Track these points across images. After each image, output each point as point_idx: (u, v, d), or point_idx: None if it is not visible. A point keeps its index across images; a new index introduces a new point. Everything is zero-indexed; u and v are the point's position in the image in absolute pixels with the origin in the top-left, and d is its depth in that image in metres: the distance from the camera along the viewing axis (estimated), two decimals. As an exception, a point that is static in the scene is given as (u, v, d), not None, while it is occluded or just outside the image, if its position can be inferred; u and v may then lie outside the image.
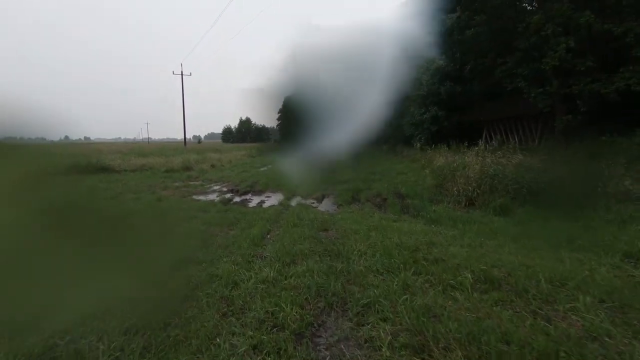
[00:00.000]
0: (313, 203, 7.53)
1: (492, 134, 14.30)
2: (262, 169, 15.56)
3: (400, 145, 20.93)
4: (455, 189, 7.27)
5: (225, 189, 9.65)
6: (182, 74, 32.28)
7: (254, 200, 8.00)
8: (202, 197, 8.37)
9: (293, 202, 7.62)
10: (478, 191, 6.77)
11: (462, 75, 15.15)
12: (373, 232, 4.64)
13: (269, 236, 4.84)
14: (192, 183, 10.89)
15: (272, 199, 8.10)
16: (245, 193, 9.01)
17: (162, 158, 17.27)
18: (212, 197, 8.50)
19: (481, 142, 10.43)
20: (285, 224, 5.33)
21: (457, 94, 15.08)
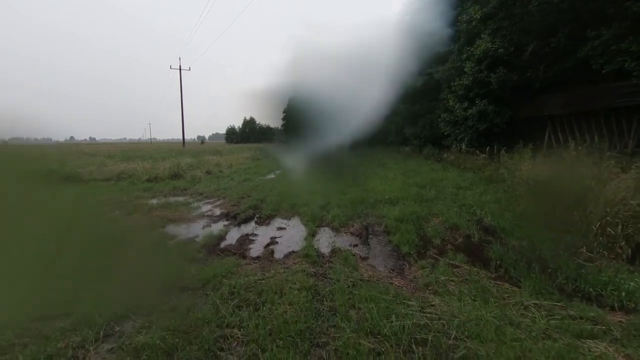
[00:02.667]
0: (354, 247, 4.59)
1: (560, 133, 11.28)
2: (268, 176, 12.65)
3: (430, 147, 17.91)
4: (597, 224, 4.31)
5: (218, 212, 6.74)
6: (180, 69, 29.54)
7: (260, 238, 5.07)
8: (179, 229, 5.49)
9: (322, 243, 4.69)
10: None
11: (519, 60, 12.13)
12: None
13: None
14: (174, 200, 8.00)
15: (288, 236, 5.17)
16: (247, 221, 6.09)
17: (149, 162, 14.43)
18: (196, 227, 5.61)
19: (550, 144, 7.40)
20: None
21: (511, 83, 12.06)
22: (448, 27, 18.13)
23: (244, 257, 4.11)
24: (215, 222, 6.01)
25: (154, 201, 7.95)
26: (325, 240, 4.84)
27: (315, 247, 4.45)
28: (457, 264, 3.82)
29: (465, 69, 13.65)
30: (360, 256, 4.10)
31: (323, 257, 4.10)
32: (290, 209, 6.80)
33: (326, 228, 5.49)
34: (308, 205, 6.80)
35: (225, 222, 5.97)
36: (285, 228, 5.56)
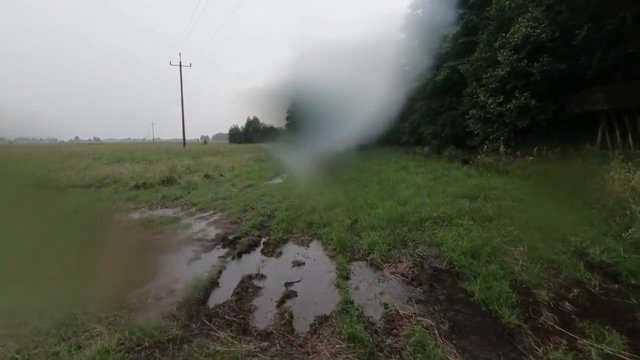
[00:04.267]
0: (417, 305, 2.95)
1: (617, 130, 9.57)
2: (275, 181, 11.04)
3: (451, 147, 16.21)
4: None
5: (212, 234, 5.13)
6: (180, 65, 28.03)
7: (269, 285, 3.42)
8: (154, 265, 3.88)
9: (364, 296, 3.06)
10: None
11: (566, 47, 10.43)
12: None
13: None
14: (161, 213, 6.41)
15: (311, 281, 3.52)
16: (250, 249, 4.46)
17: (141, 164, 12.88)
18: (179, 262, 4.01)
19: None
20: None
21: (557, 73, 10.36)
22: (466, 15, 16.46)
23: (245, 331, 2.49)
24: (207, 250, 4.40)
25: (135, 215, 6.36)
26: (366, 290, 3.20)
27: (357, 306, 2.82)
28: (613, 353, 2.18)
29: (498, 59, 11.96)
30: (438, 332, 2.45)
31: (376, 332, 2.46)
32: (307, 229, 5.18)
33: (362, 264, 3.86)
34: (330, 225, 5.17)
35: (221, 251, 4.36)
36: (303, 263, 3.92)
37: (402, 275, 3.51)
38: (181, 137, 31.27)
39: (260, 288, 3.27)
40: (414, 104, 24.52)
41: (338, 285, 3.25)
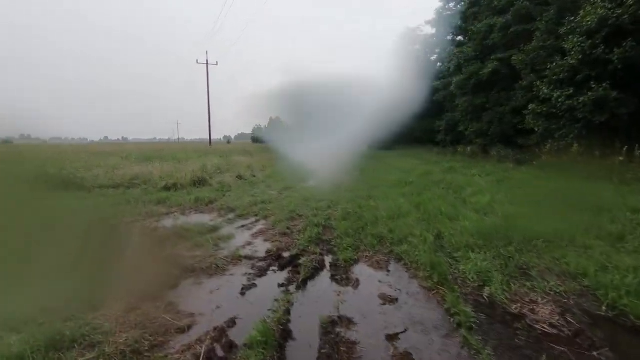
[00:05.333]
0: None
1: None
2: (311, 183, 10.06)
3: (500, 146, 14.77)
4: None
5: (261, 249, 4.20)
6: (207, 63, 27.64)
7: (362, 331, 2.41)
8: (194, 299, 2.96)
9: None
10: None
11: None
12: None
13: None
14: (196, 221, 5.55)
15: (419, 328, 2.49)
16: (316, 272, 3.46)
17: (170, 164, 12.24)
18: (226, 294, 3.06)
19: None
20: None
21: (643, 60, 8.87)
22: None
23: None
24: (260, 273, 3.45)
25: (168, 223, 5.54)
26: (515, 355, 2.14)
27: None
28: None
29: (564, 46, 10.52)
30: None
31: None
32: (378, 246, 4.15)
33: (480, 304, 2.78)
34: (407, 241, 4.13)
35: (279, 276, 3.40)
36: (396, 300, 2.90)
37: (552, 326, 2.42)
38: (204, 136, 30.99)
39: (354, 344, 2.26)
40: (448, 101, 23.08)
41: (468, 344, 2.21)
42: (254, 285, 3.18)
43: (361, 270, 3.51)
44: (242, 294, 3.01)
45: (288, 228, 5.04)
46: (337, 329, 2.42)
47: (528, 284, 3.00)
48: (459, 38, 32.98)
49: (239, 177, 10.88)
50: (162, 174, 9.81)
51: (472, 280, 3.11)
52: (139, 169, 10.10)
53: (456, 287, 2.99)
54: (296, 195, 7.87)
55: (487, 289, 2.94)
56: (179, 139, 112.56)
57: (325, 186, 8.86)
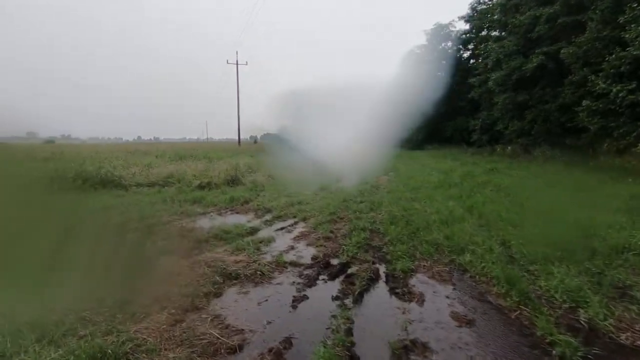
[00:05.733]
0: None
1: None
2: (345, 183, 9.68)
3: (545, 146, 13.78)
4: None
5: (306, 255, 3.88)
6: (237, 63, 27.90)
7: (443, 362, 2.05)
8: (241, 311, 2.67)
9: None
10: None
11: None
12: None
13: None
14: (234, 221, 5.32)
15: None
16: (372, 283, 3.09)
17: (202, 162, 12.25)
18: (282, 303, 2.76)
19: None
20: None
21: None
22: None
23: None
24: (309, 282, 3.13)
25: (204, 223, 5.36)
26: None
27: None
28: None
29: (625, 37, 9.58)
30: None
31: None
32: (436, 254, 3.73)
33: (579, 333, 2.32)
34: (468, 249, 3.68)
35: (330, 286, 3.06)
36: (473, 322, 2.48)
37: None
38: (231, 136, 31.31)
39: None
40: (485, 99, 21.98)
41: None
42: (305, 297, 2.86)
43: (422, 283, 3.11)
44: (294, 307, 2.70)
45: (331, 231, 4.70)
46: (413, 357, 2.05)
47: (634, 307, 2.50)
48: (494, 33, 31.60)
49: (271, 176, 10.70)
50: (196, 172, 9.77)
51: (560, 300, 2.64)
52: (173, 168, 10.12)
53: (544, 308, 2.53)
54: (332, 195, 7.54)
55: (582, 311, 2.47)
56: (207, 138, 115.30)
57: (361, 187, 8.49)
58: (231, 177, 9.00)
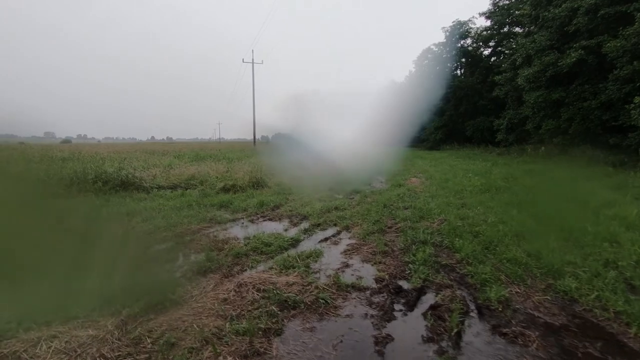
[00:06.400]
0: None
1: None
2: (376, 185, 9.03)
3: (586, 146, 12.89)
4: None
5: (370, 276, 3.28)
6: (252, 62, 27.50)
7: None
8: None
9: None
10: None
11: None
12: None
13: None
14: (269, 230, 4.78)
15: None
16: (465, 317, 2.50)
17: (222, 163, 11.78)
18: (364, 344, 2.17)
19: None
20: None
21: None
22: None
23: None
24: (386, 317, 2.53)
25: (237, 231, 4.82)
26: None
27: None
28: None
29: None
30: None
31: None
32: (526, 276, 3.09)
33: None
34: (567, 273, 3.03)
35: (412, 320, 2.47)
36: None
37: None
38: (243, 137, 30.93)
39: None
40: (511, 97, 21.06)
41: None
42: (389, 337, 2.27)
43: (528, 319, 2.49)
44: (379, 352, 2.11)
45: (385, 244, 4.10)
46: None
47: None
48: (517, 29, 30.43)
49: (295, 178, 10.16)
50: (218, 174, 9.28)
51: None
52: (194, 169, 9.65)
53: None
54: (369, 200, 6.93)
55: None
56: (219, 139, 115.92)
57: (396, 190, 7.87)
58: (256, 179, 8.47)
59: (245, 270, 3.38)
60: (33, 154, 11.88)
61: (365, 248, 4.06)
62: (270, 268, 3.38)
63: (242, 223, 5.39)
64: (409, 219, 5.18)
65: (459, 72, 37.73)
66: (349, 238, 4.52)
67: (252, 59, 27.25)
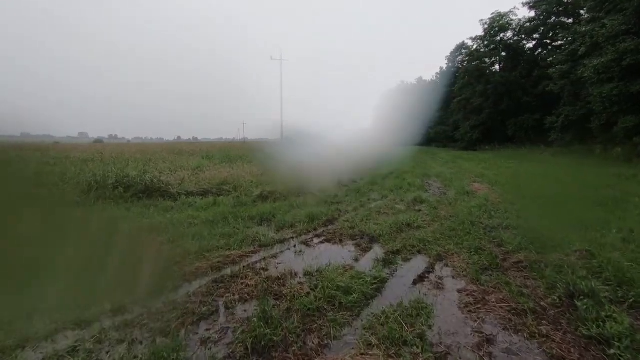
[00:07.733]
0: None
1: None
2: (432, 191, 7.58)
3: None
4: None
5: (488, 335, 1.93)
6: (280, 59, 26.51)
7: None
8: None
9: None
10: None
11: None
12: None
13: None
14: (333, 255, 3.50)
15: None
16: None
17: (253, 165, 10.63)
18: None
19: None
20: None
21: None
22: None
23: None
24: None
25: (292, 262, 3.57)
26: None
27: None
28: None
29: None
30: None
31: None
32: None
33: None
34: None
35: None
36: None
37: None
38: (266, 136, 29.92)
39: None
40: (567, 92, 18.89)
41: None
42: None
43: None
44: None
45: (522, 294, 2.72)
46: None
47: None
48: (562, 19, 27.87)
49: (339, 183, 8.91)
50: (253, 178, 8.13)
51: None
52: (226, 172, 8.54)
53: None
54: (443, 213, 5.54)
55: None
56: (244, 139, 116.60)
57: (471, 200, 6.42)
58: (298, 186, 7.24)
59: (327, 345, 2.10)
60: (49, 155, 11.18)
61: (492, 299, 2.69)
62: (368, 344, 2.08)
63: (294, 246, 4.14)
64: (525, 247, 3.75)
65: (497, 67, 35.24)
66: (453, 277, 3.17)
67: (280, 55, 26.29)
